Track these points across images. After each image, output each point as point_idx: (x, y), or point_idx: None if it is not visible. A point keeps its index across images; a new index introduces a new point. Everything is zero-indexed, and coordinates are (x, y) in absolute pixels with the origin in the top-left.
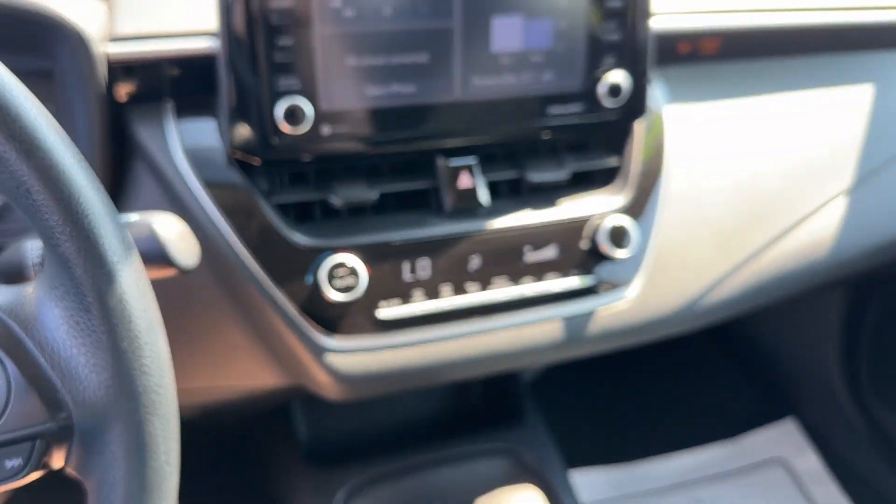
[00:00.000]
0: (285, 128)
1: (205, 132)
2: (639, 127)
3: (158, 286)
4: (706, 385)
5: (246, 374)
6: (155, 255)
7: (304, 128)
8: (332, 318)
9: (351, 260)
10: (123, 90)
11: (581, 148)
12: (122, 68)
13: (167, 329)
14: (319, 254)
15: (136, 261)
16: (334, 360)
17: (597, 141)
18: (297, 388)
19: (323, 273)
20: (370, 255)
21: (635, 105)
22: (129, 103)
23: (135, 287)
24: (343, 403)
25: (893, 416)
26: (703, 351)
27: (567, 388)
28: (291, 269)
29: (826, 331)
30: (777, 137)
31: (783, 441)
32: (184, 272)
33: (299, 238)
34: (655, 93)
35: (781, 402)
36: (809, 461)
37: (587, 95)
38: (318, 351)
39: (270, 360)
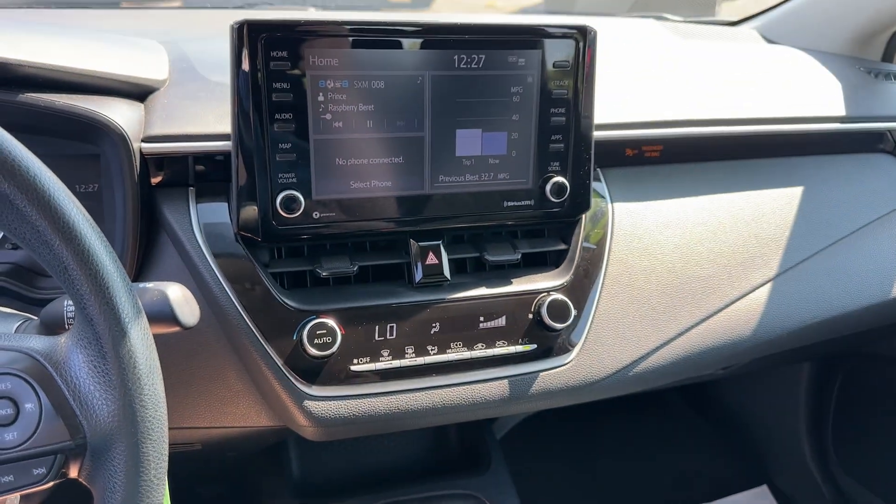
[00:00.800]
0: (283, 213)
1: (218, 213)
2: (584, 218)
3: (176, 339)
4: (687, 451)
5: (241, 416)
6: (164, 315)
7: (297, 213)
8: (311, 370)
9: (330, 322)
10: (154, 178)
11: (537, 233)
12: (153, 161)
13: (181, 374)
14: (305, 316)
15: (143, 321)
16: (311, 405)
17: (552, 228)
18: (284, 429)
19: (305, 332)
20: (347, 318)
21: (579, 202)
22: (158, 187)
23: (140, 341)
24: (331, 446)
25: (857, 485)
26: (686, 418)
27: (548, 448)
28: (280, 328)
29: (794, 403)
30: (710, 230)
31: None
32: (186, 329)
33: (288, 302)
34: (603, 189)
35: (756, 469)
36: None
37: (537, 193)
38: (299, 397)
39: (261, 403)
